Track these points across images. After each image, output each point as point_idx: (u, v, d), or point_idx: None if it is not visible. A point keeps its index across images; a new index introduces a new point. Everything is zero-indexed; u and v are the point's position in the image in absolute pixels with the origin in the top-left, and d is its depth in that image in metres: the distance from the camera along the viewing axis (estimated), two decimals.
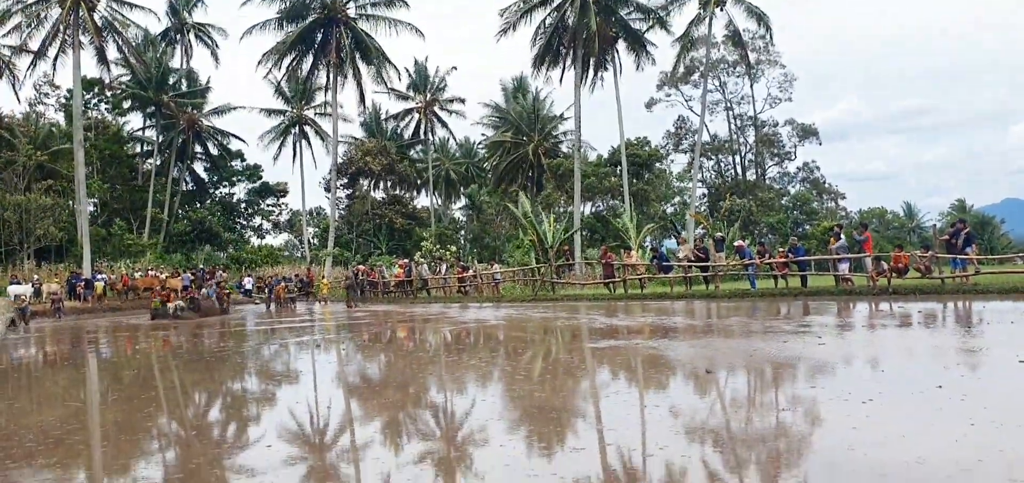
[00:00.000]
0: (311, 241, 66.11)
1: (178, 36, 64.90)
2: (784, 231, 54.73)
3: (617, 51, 49.00)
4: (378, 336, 19.68)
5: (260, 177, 68.27)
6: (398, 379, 11.27)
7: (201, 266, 49.05)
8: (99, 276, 41.25)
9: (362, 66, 55.20)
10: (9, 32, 45.43)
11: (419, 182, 70.67)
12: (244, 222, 69.49)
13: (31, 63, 46.21)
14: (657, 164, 61.41)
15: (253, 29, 53.97)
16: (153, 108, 60.62)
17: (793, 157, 67.51)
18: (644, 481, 5.22)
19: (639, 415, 7.41)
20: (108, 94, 59.63)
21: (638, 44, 48.75)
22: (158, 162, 62.29)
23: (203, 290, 34.94)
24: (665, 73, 62.23)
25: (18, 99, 67.34)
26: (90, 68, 49.54)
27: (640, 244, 35.03)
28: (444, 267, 41.32)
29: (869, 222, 53.14)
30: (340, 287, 42.11)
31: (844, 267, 23.61)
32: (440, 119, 68.43)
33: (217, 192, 68.13)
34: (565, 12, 47.44)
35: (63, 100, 57.60)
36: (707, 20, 48.69)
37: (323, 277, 45.56)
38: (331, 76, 54.44)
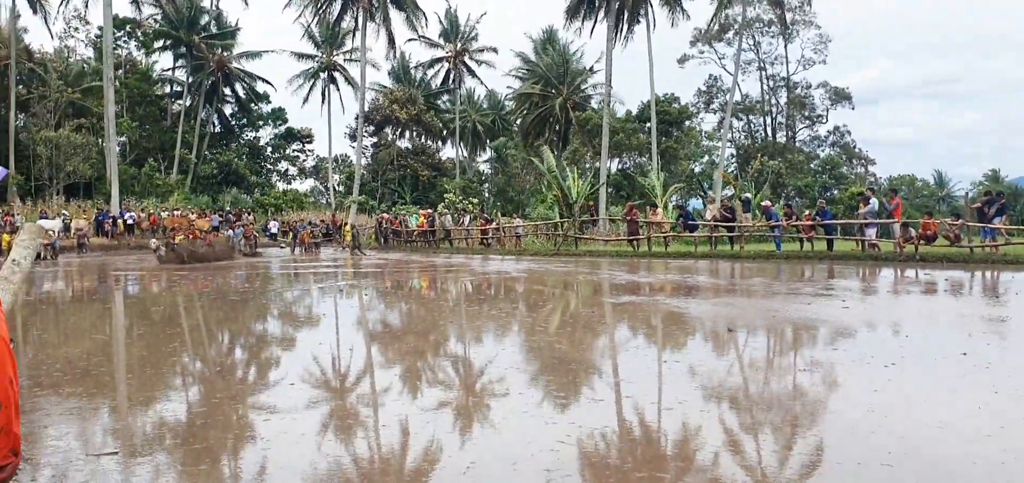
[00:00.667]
0: (336, 188, 66.41)
1: None
2: (812, 194, 54.19)
3: (651, 4, 48.39)
4: (400, 284, 19.79)
5: (285, 121, 68.46)
6: (418, 326, 11.33)
7: (227, 208, 49.53)
8: (127, 214, 41.76)
9: (393, 11, 54.91)
10: None
11: (445, 133, 70.55)
12: (270, 166, 69.87)
13: None
14: (686, 122, 60.83)
15: None
16: (183, 49, 60.79)
17: (825, 120, 66.67)
18: (660, 435, 5.22)
19: (657, 371, 7.40)
20: (139, 33, 59.83)
21: None
22: (187, 103, 62.60)
23: (227, 232, 35.31)
24: (699, 29, 61.49)
25: (51, 34, 67.87)
26: (121, 6, 49.84)
27: (666, 202, 34.82)
28: (467, 218, 41.40)
29: (898, 189, 52.48)
30: (364, 235, 42.35)
31: (871, 232, 23.36)
32: (470, 69, 68.08)
33: (244, 135, 68.45)
34: None
35: (94, 36, 57.88)
36: None
37: (347, 224, 45.82)
38: (361, 21, 54.22)
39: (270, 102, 67.77)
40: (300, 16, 56.61)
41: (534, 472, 4.34)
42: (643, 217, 31.21)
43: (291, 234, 41.31)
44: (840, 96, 65.19)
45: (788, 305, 11.77)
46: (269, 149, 69.49)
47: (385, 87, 69.14)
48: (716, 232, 27.71)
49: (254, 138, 68.81)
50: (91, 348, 9.66)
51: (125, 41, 59.47)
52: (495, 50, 67.77)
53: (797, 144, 66.22)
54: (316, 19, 57.87)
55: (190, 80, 62.40)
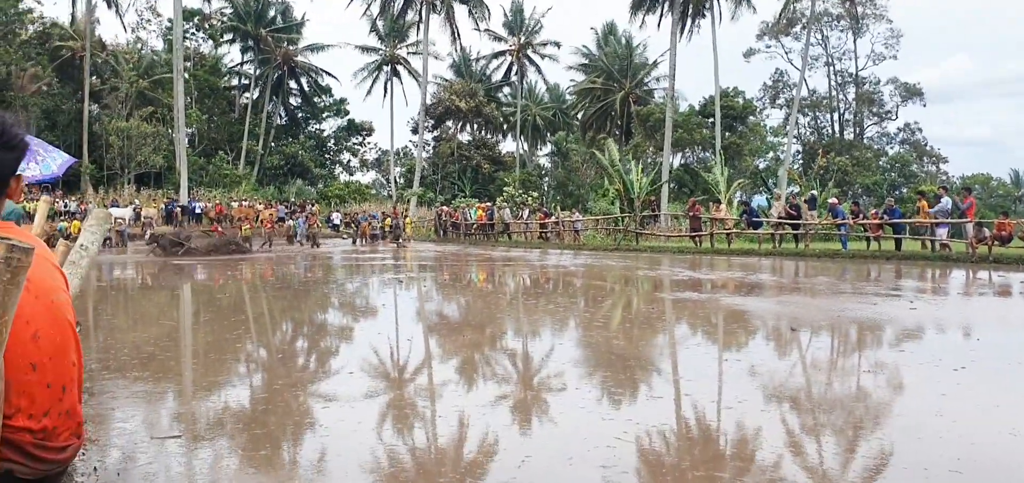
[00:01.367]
0: (397, 180, 67.08)
1: None
2: (880, 192, 52.86)
3: None
4: (458, 276, 19.89)
5: (347, 113, 69.36)
6: (476, 319, 11.37)
7: (292, 199, 50.46)
8: (196, 204, 42.83)
9: (457, 5, 55.17)
10: None
11: (505, 126, 70.64)
12: (333, 159, 70.89)
13: None
14: (751, 117, 59.87)
15: None
16: (251, 42, 61.99)
17: (894, 117, 64.96)
18: (718, 435, 5.13)
19: (717, 369, 7.29)
20: (207, 26, 61.25)
21: None
22: (254, 96, 63.84)
23: (289, 222, 36.00)
24: (765, 23, 60.45)
25: (123, 27, 69.93)
26: None
27: (730, 199, 34.32)
28: (526, 212, 41.40)
29: (972, 187, 50.83)
30: (423, 227, 42.66)
31: (942, 232, 22.66)
32: (532, 62, 67.98)
33: (309, 128, 69.57)
34: None
35: (165, 28, 59.43)
36: None
37: (407, 216, 46.24)
38: (425, 14, 54.59)
39: (333, 95, 68.77)
40: (367, 10, 57.34)
41: (590, 469, 4.31)
42: (706, 213, 30.81)
43: (353, 226, 41.85)
44: (911, 92, 63.43)
45: (853, 305, 11.49)
46: (332, 141, 70.52)
47: (447, 80, 69.55)
48: (780, 229, 27.21)
49: (318, 130, 69.89)
50: (157, 334, 9.92)
51: (194, 34, 60.90)
52: (558, 44, 67.49)
53: (865, 141, 64.63)
54: (381, 13, 58.52)
55: (257, 73, 63.62)
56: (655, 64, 62.02)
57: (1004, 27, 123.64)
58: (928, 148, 65.26)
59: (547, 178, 72.24)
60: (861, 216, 26.82)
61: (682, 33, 47.54)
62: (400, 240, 37.26)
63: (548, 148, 76.01)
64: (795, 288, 14.99)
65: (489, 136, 68.97)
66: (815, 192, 30.11)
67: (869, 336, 9.03)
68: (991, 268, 18.89)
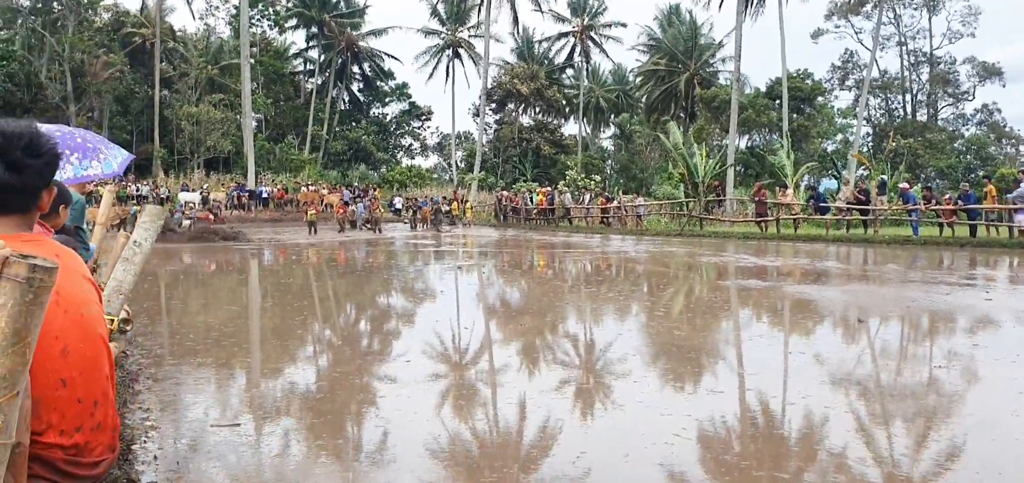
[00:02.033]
0: (458, 164, 67.33)
1: None
2: (954, 176, 51.12)
3: None
4: (518, 261, 19.87)
5: (408, 97, 69.82)
6: (536, 306, 11.32)
7: (355, 184, 51.08)
8: (263, 189, 43.68)
9: None
10: None
11: (567, 109, 70.23)
12: (395, 143, 71.46)
13: None
14: (819, 99, 58.39)
15: None
16: (315, 28, 62.76)
17: (971, 97, 62.66)
18: (782, 431, 5.00)
19: (781, 362, 7.11)
20: (272, 12, 62.18)
21: None
22: (319, 81, 64.67)
23: (351, 207, 36.43)
24: (835, 2, 58.78)
25: (192, 14, 71.48)
26: None
27: (796, 183, 33.56)
28: (587, 197, 41.12)
29: None
30: (483, 212, 42.73)
31: (1021, 218, 21.79)
32: (596, 43, 67.33)
33: (371, 112, 70.24)
34: None
35: (232, 15, 60.53)
36: None
37: (468, 201, 46.38)
38: None
39: (395, 79, 69.24)
40: None
41: (647, 465, 4.24)
42: (772, 198, 30.21)
43: (412, 211, 42.13)
44: (989, 72, 61.05)
45: (925, 294, 11.11)
46: (393, 126, 71.07)
47: (508, 63, 69.37)
48: (849, 215, 26.51)
49: (381, 114, 70.51)
50: (223, 318, 10.11)
51: (259, 20, 61.84)
52: (623, 24, 66.67)
53: (939, 123, 62.53)
54: None
55: (321, 58, 64.41)
56: (720, 45, 60.93)
57: None
58: (1007, 130, 62.86)
59: (610, 161, 71.66)
60: (934, 201, 25.97)
61: (747, 12, 46.54)
62: (439, 224, 37.16)
63: (611, 130, 75.36)
64: (863, 276, 14.59)
65: (551, 119, 68.61)
66: (885, 177, 29.23)
67: (941, 327, 8.72)
68: None
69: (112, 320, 2.50)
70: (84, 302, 1.78)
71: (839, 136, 62.46)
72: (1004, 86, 61.71)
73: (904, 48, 62.96)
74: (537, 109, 66.80)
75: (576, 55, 68.11)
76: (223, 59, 56.29)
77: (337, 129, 64.37)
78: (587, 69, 69.73)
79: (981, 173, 51.28)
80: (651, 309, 10.75)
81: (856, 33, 61.52)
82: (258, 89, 56.16)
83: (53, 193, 1.82)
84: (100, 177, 4.45)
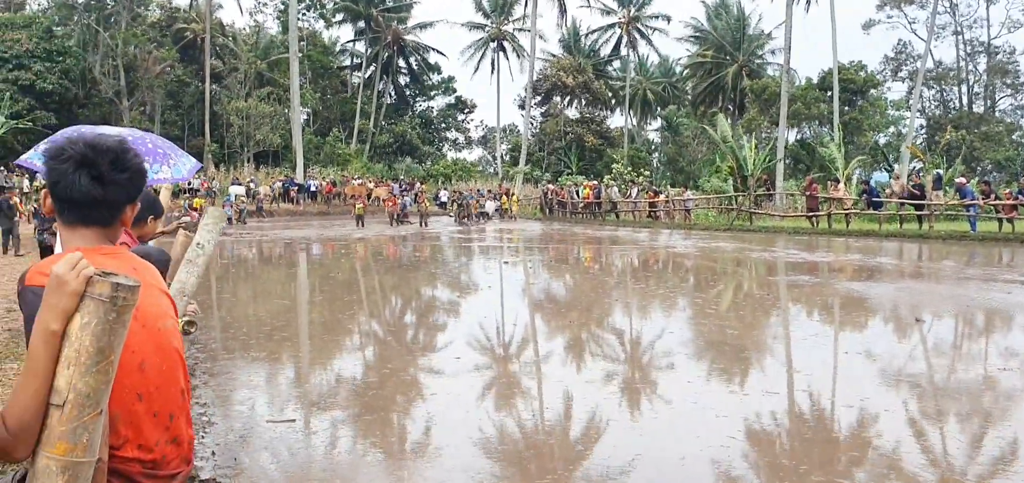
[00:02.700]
0: (503, 157, 67.36)
1: None
2: (1013, 169, 49.74)
3: None
4: (564, 256, 19.82)
5: (454, 90, 70.05)
6: (583, 300, 11.28)
7: (401, 177, 51.43)
8: (311, 182, 44.19)
9: None
10: None
11: (613, 101, 69.80)
12: (440, 136, 71.75)
13: None
14: (871, 91, 57.20)
15: None
16: (362, 23, 63.24)
17: None
18: (837, 435, 4.90)
19: (834, 362, 6.98)
20: (319, 5, 62.76)
21: None
22: (366, 75, 65.14)
23: (399, 200, 36.67)
24: None
25: (240, 10, 72.57)
26: None
27: (848, 177, 32.92)
28: (635, 190, 40.81)
29: None
30: (529, 205, 42.67)
31: None
32: (642, 34, 66.80)
33: (417, 105, 70.60)
34: None
35: (280, 9, 61.23)
36: None
37: (514, 194, 46.36)
38: None
39: (441, 72, 69.48)
40: None
41: (702, 465, 4.18)
42: (823, 192, 29.70)
43: (457, 204, 42.19)
44: None
45: (982, 292, 10.82)
46: (438, 119, 71.36)
47: (554, 55, 69.09)
48: (903, 210, 25.94)
49: (426, 108, 70.83)
50: (275, 310, 10.24)
51: (306, 14, 62.41)
52: (668, 18, 66.01)
53: (997, 115, 60.85)
54: None
55: (368, 52, 64.87)
56: (769, 36, 60.03)
57: None
58: None
59: (656, 154, 71.08)
60: (992, 195, 25.28)
61: (797, 2, 45.77)
62: (467, 217, 37.02)
63: (658, 123, 74.71)
64: (918, 273, 14.28)
65: (597, 111, 68.23)
66: (941, 170, 28.54)
67: (1000, 325, 8.49)
68: None
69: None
70: (160, 315, 1.80)
71: (891, 129, 61.15)
72: None
73: (960, 37, 61.39)
74: (583, 101, 66.50)
75: (622, 47, 67.63)
76: (272, 54, 57.00)
77: (383, 122, 64.79)
78: (634, 61, 69.20)
79: None
80: (701, 307, 10.63)
81: (910, 23, 60.14)
82: (306, 83, 56.79)
83: (136, 208, 1.85)
84: (170, 181, 4.57)
